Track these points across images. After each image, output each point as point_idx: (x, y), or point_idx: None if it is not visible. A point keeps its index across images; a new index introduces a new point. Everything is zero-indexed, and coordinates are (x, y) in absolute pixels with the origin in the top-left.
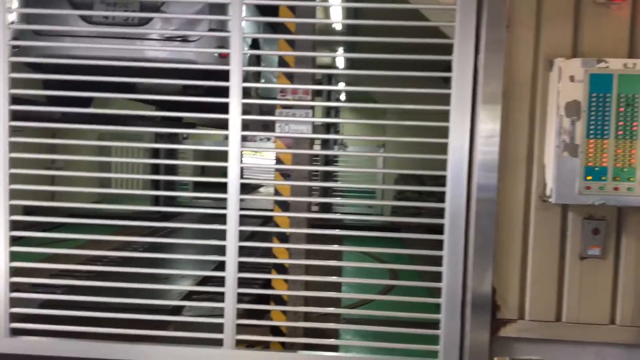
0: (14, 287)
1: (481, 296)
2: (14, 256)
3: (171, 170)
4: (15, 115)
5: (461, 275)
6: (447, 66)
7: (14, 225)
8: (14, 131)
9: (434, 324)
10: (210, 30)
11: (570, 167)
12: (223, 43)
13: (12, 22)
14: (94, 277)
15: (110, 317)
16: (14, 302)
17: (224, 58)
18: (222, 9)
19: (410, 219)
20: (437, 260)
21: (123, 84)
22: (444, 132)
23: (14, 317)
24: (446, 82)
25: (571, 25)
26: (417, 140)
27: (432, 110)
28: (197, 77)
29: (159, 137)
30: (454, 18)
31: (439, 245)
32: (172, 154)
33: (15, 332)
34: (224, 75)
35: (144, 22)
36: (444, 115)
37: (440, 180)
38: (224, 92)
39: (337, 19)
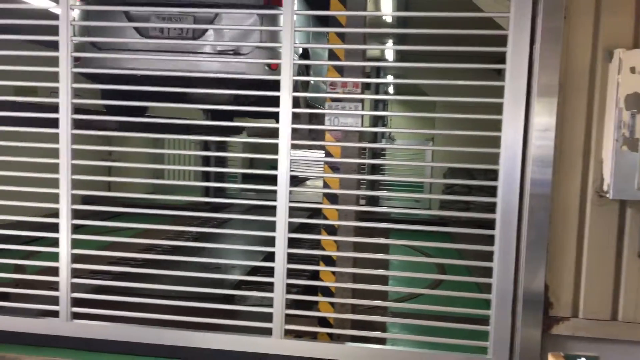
0: (75, 273)
1: (533, 293)
2: (75, 244)
3: (221, 162)
4: (76, 124)
5: (512, 271)
6: (499, 58)
7: (75, 214)
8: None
9: (483, 320)
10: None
11: (629, 161)
12: (274, 51)
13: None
14: (147, 265)
15: (162, 304)
16: (74, 288)
17: (274, 70)
18: (273, 19)
19: (459, 213)
20: (487, 256)
21: (175, 92)
22: (494, 125)
23: (75, 302)
24: (498, 74)
25: (632, 15)
26: (468, 133)
27: (483, 103)
28: (250, 85)
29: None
30: (509, 8)
31: (487, 240)
32: (222, 147)
33: (76, 316)
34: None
35: (198, 35)
36: (495, 108)
37: (491, 175)
38: (275, 86)
39: (387, 10)
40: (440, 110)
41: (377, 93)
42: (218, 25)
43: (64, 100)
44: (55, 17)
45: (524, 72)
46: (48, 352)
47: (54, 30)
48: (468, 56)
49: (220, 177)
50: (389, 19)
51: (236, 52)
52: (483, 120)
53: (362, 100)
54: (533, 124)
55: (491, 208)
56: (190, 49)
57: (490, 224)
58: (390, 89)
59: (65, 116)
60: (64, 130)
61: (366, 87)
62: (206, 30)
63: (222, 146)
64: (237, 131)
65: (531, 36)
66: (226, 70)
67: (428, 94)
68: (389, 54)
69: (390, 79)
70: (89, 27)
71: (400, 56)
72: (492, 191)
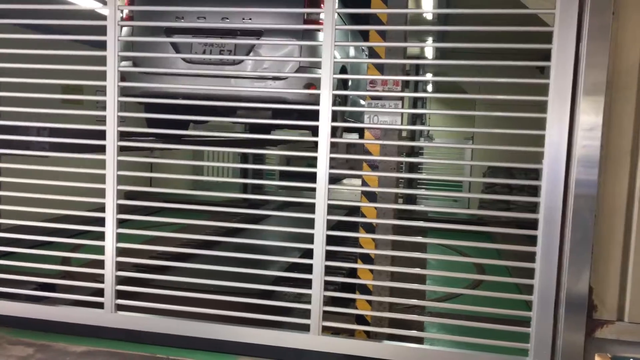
0: (120, 266)
1: (577, 295)
2: (119, 237)
3: (259, 160)
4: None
5: (555, 273)
6: (542, 55)
7: (120, 209)
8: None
9: (523, 321)
10: (300, 68)
11: None
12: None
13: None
14: (188, 260)
15: (203, 298)
16: (119, 280)
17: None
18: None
19: (500, 212)
20: (527, 256)
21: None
22: (536, 124)
23: (119, 294)
24: (541, 72)
25: None
26: (512, 132)
27: (526, 101)
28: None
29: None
30: (554, 5)
31: (528, 240)
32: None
33: (120, 308)
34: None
35: (238, 62)
36: (537, 106)
37: (531, 174)
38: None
39: (428, 8)
40: (480, 109)
41: (415, 91)
42: (258, 50)
43: (111, 99)
44: (103, 17)
45: (570, 69)
46: (92, 342)
47: (102, 31)
48: (507, 53)
49: (258, 174)
50: (429, 17)
51: (275, 77)
52: (522, 119)
53: (402, 98)
54: (579, 123)
55: (532, 208)
56: (231, 74)
57: (531, 224)
58: (429, 87)
59: (112, 114)
60: (111, 126)
61: (405, 85)
62: (248, 53)
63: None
64: (275, 143)
65: (577, 33)
66: (266, 95)
67: (468, 92)
68: (429, 52)
69: (428, 76)
70: (134, 49)
71: (439, 54)
72: (532, 191)
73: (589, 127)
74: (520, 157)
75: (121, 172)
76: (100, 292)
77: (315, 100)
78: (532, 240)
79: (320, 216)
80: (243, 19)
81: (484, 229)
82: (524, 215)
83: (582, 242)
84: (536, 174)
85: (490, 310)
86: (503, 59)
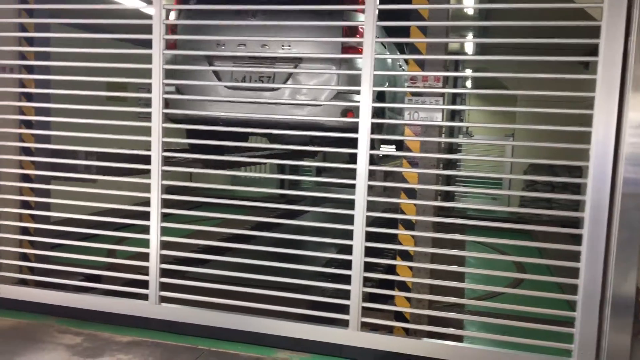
0: (163, 259)
1: (623, 296)
2: (164, 231)
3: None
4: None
5: (601, 273)
6: (588, 50)
7: (164, 204)
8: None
9: (566, 322)
10: (339, 94)
11: None
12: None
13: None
14: (228, 254)
15: (244, 291)
16: (163, 273)
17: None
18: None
19: (543, 210)
20: (570, 255)
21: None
22: (575, 120)
23: (163, 287)
24: (585, 67)
25: None
26: (556, 128)
27: (572, 97)
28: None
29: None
30: None
31: (571, 239)
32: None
33: (164, 300)
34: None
35: (277, 88)
36: (580, 102)
37: (575, 171)
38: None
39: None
40: (522, 105)
41: (455, 87)
42: (296, 77)
43: (156, 96)
44: (148, 17)
45: (618, 65)
46: (137, 332)
47: (147, 29)
48: (549, 48)
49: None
50: (470, 12)
51: (313, 104)
52: (563, 115)
53: (442, 95)
54: (627, 120)
55: (574, 206)
56: (270, 101)
57: (573, 223)
58: (468, 83)
59: (157, 112)
60: (156, 124)
61: (445, 81)
62: (286, 79)
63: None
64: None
65: (626, 27)
66: (304, 120)
67: (509, 88)
68: (469, 47)
69: (468, 72)
70: (175, 75)
71: (479, 49)
72: (575, 189)
73: (637, 124)
74: (563, 154)
75: (166, 168)
76: (144, 284)
77: (353, 126)
78: (576, 239)
79: (360, 212)
80: (282, 46)
81: (525, 227)
82: (569, 214)
83: (629, 242)
84: (580, 172)
85: (531, 310)
86: (545, 54)
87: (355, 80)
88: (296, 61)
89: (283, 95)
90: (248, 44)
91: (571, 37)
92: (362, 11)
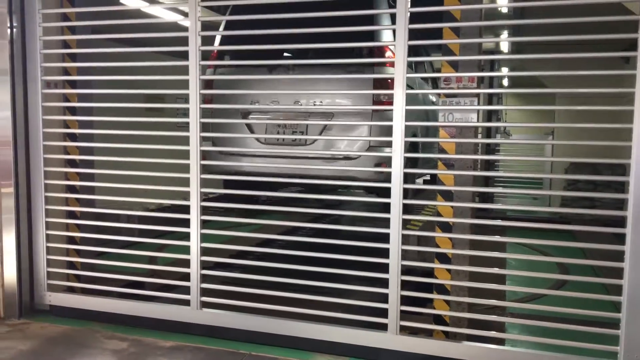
0: (204, 265)
1: None
2: (204, 238)
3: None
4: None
5: None
6: (626, 44)
7: (204, 211)
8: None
9: (610, 323)
10: (371, 147)
11: None
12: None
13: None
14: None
15: (282, 296)
16: (204, 279)
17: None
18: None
19: (584, 210)
20: (613, 255)
21: None
22: (615, 117)
23: (204, 292)
24: (626, 62)
25: None
26: (596, 126)
27: (610, 94)
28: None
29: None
30: None
31: (614, 239)
32: None
33: (205, 305)
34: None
35: (310, 142)
36: (618, 99)
37: (618, 169)
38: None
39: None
40: (561, 103)
41: (490, 87)
42: (329, 130)
43: (194, 106)
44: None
45: None
46: (179, 337)
47: (183, 41)
48: (587, 44)
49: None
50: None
51: (346, 157)
52: (605, 112)
53: (477, 95)
54: None
55: (618, 205)
56: (303, 155)
57: (616, 222)
58: (504, 82)
59: (194, 122)
60: (194, 135)
61: (480, 80)
62: (320, 132)
63: None
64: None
65: None
66: (337, 175)
67: (547, 86)
68: (504, 46)
69: (504, 71)
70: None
71: (515, 47)
72: (619, 187)
73: None
74: (605, 152)
75: (204, 176)
76: (186, 290)
77: (386, 177)
78: (620, 239)
79: (396, 216)
80: (314, 102)
81: (567, 228)
82: (611, 213)
83: None
84: (623, 170)
85: (574, 312)
86: (583, 50)
87: (387, 130)
88: (328, 115)
89: (316, 149)
90: (281, 98)
91: (609, 32)
92: (392, 64)
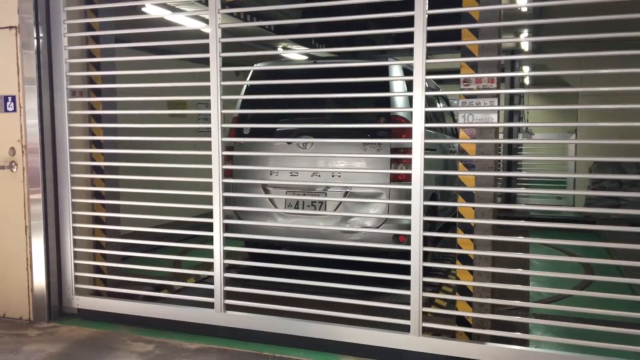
0: (227, 268)
1: None
2: (226, 241)
3: None
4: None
5: None
6: None
7: (225, 215)
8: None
9: (634, 324)
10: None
11: None
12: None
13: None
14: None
15: (304, 298)
16: (227, 281)
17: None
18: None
19: (610, 209)
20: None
21: None
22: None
23: (227, 295)
24: None
25: None
26: (620, 124)
27: (631, 92)
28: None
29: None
30: None
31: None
32: None
33: (228, 308)
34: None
35: (328, 215)
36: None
37: None
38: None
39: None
40: (584, 102)
41: (512, 87)
42: (346, 203)
43: (215, 112)
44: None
45: None
46: (204, 339)
47: (204, 48)
48: (609, 42)
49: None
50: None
51: (364, 229)
52: (628, 110)
53: (497, 96)
54: None
55: None
56: (322, 228)
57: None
58: (526, 81)
59: (216, 127)
60: (216, 138)
61: (500, 80)
62: (337, 207)
63: None
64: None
65: None
66: (356, 243)
67: (570, 85)
68: (525, 45)
69: (526, 71)
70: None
71: (536, 46)
72: None
73: None
74: (630, 151)
75: (226, 180)
76: (210, 293)
77: (405, 250)
78: None
79: (417, 217)
80: (332, 175)
81: (592, 227)
82: (637, 212)
83: None
84: None
85: (600, 312)
86: (606, 48)
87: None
88: (346, 189)
89: (334, 222)
90: (300, 173)
91: (630, 30)
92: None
